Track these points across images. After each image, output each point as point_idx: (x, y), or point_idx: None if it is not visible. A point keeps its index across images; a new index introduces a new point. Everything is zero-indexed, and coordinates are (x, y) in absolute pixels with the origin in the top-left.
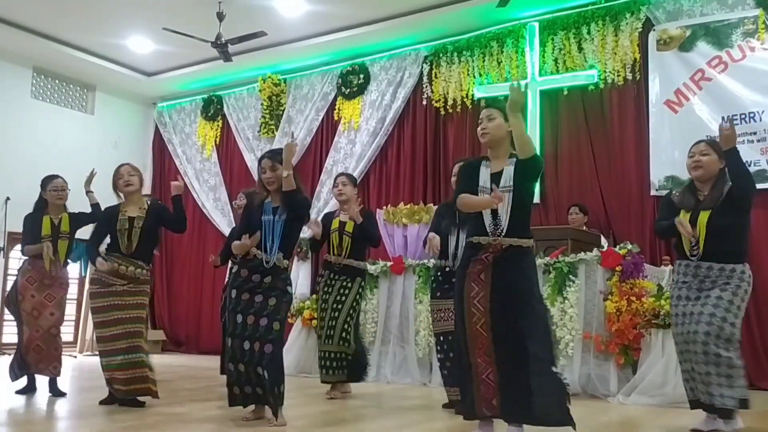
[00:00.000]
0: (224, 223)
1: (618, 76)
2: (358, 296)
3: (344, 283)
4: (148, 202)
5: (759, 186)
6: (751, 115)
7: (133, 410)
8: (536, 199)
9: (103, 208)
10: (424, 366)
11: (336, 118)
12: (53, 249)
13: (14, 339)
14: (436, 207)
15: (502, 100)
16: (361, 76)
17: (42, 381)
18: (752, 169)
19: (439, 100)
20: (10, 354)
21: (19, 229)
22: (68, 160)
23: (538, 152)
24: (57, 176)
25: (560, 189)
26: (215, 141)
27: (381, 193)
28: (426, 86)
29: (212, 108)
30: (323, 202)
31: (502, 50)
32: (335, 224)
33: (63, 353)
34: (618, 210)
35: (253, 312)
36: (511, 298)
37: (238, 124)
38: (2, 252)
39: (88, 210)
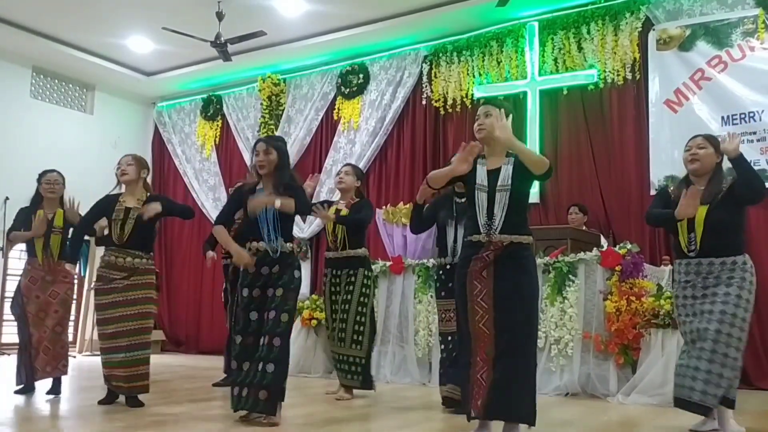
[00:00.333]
0: None
1: (618, 75)
2: (364, 288)
3: (349, 279)
4: (148, 195)
5: None
6: (751, 114)
7: (133, 410)
8: (536, 199)
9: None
10: (424, 366)
11: (335, 117)
12: (44, 243)
13: (14, 339)
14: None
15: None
16: (361, 75)
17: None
18: None
19: (439, 99)
20: (9, 354)
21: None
22: (68, 160)
23: (548, 164)
24: (52, 170)
25: (560, 189)
26: (215, 141)
27: (380, 192)
28: (426, 86)
29: (212, 108)
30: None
31: (502, 50)
32: (331, 212)
33: (67, 350)
34: (618, 210)
35: (260, 307)
36: (513, 292)
37: (238, 123)
38: (2, 252)
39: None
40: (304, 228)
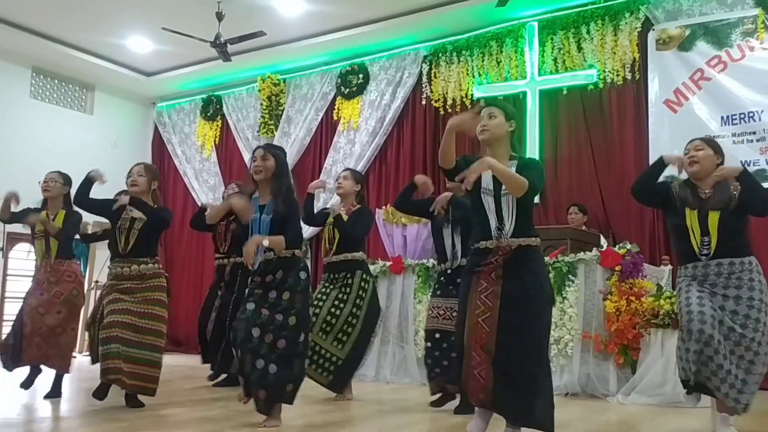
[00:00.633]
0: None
1: (617, 75)
2: (361, 291)
3: (345, 281)
4: (155, 207)
5: None
6: (751, 114)
7: (132, 410)
8: (536, 199)
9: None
10: (424, 366)
11: (335, 117)
12: (45, 245)
13: None
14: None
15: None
16: (361, 75)
17: (43, 380)
18: (752, 168)
19: (439, 99)
20: None
21: (19, 229)
22: (68, 160)
23: (526, 185)
24: (53, 171)
25: (560, 189)
26: (214, 141)
27: (380, 192)
28: (425, 86)
29: (211, 108)
30: (323, 202)
31: (502, 50)
32: (329, 221)
33: (70, 354)
34: (617, 210)
35: (267, 306)
36: (522, 295)
37: (238, 124)
38: (2, 252)
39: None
40: (304, 229)
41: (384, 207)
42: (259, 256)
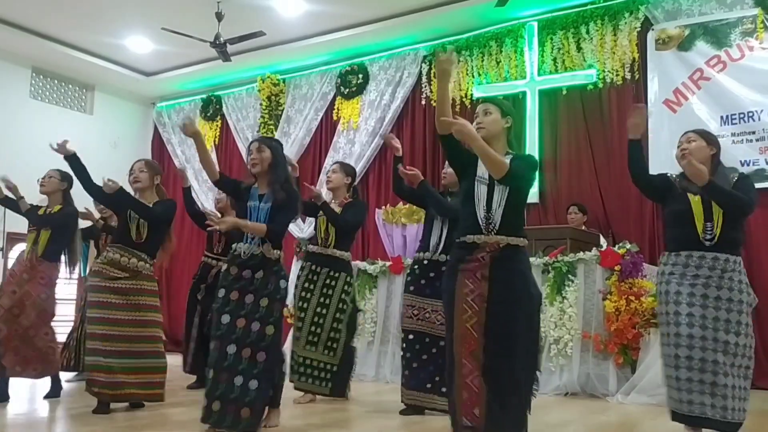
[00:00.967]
0: None
1: (617, 75)
2: (344, 295)
3: (327, 281)
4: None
5: (758, 185)
6: (750, 114)
7: (132, 411)
8: (535, 199)
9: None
10: None
11: (335, 117)
12: (35, 238)
13: None
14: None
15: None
16: (360, 75)
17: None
18: (751, 168)
19: None
20: None
21: (19, 229)
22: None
23: (506, 167)
24: (52, 169)
25: (559, 188)
26: (214, 141)
27: (380, 192)
28: (425, 86)
29: (211, 108)
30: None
31: (501, 50)
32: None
33: (52, 356)
34: (617, 209)
35: (243, 314)
36: (509, 297)
37: (237, 124)
38: (2, 252)
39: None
40: (303, 228)
41: (384, 207)
42: (244, 246)
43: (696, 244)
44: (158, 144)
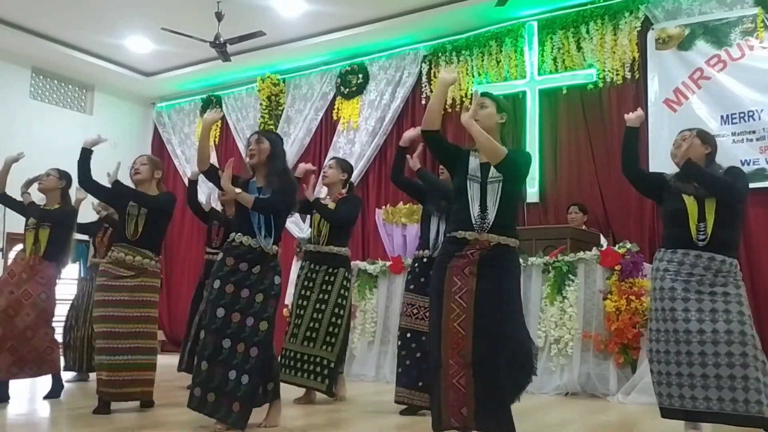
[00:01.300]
0: None
1: (617, 75)
2: (343, 290)
3: (326, 277)
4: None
5: (758, 185)
6: (750, 113)
7: (132, 411)
8: (535, 199)
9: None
10: None
11: (335, 117)
12: (35, 236)
13: None
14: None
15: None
16: (360, 75)
17: (42, 380)
18: (751, 167)
19: None
20: None
21: (19, 229)
22: (67, 161)
23: (504, 153)
24: (52, 168)
25: (559, 188)
26: (214, 141)
27: (380, 192)
28: (425, 86)
29: (211, 108)
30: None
31: (501, 49)
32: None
33: (51, 355)
34: (617, 209)
35: (238, 309)
36: (496, 294)
37: (237, 124)
38: (2, 252)
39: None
40: (303, 228)
41: (384, 207)
42: (245, 239)
43: (691, 244)
44: (158, 144)
